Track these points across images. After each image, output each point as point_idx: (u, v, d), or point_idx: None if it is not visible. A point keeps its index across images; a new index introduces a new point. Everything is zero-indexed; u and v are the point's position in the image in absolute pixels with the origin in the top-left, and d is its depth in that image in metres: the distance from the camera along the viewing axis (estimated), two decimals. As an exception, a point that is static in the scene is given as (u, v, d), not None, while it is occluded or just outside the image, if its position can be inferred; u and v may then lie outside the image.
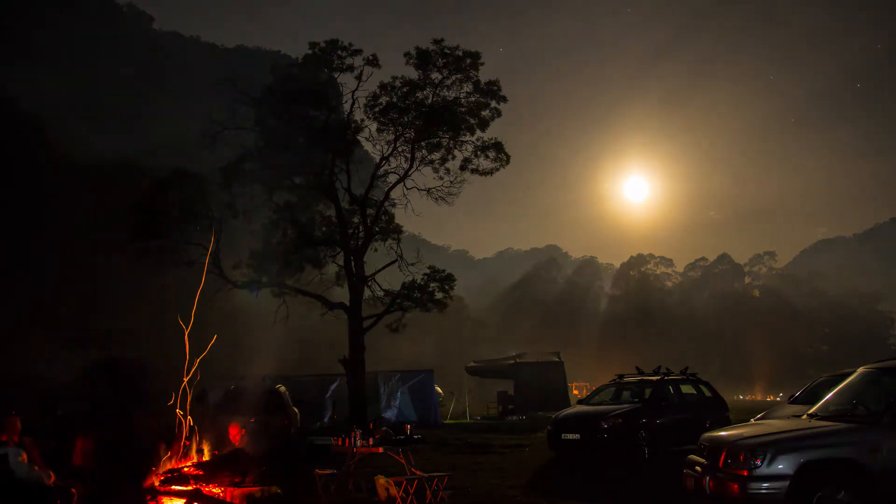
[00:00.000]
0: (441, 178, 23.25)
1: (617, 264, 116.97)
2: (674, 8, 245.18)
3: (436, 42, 22.20)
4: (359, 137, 23.30)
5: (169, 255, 21.50)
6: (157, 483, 7.99)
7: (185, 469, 8.16)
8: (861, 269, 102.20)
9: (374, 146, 23.24)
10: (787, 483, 6.41)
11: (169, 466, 8.27)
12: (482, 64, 22.38)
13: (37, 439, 8.62)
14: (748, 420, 10.82)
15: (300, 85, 22.51)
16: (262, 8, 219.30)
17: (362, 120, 22.94)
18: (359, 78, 22.35)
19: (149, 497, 7.91)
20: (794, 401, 11.31)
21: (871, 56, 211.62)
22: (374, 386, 23.54)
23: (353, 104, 22.63)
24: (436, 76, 22.23)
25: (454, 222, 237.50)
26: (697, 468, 7.30)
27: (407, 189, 23.22)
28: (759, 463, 6.53)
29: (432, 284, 22.47)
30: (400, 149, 22.89)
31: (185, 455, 8.51)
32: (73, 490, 7.99)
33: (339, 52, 22.39)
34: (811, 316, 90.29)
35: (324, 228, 23.13)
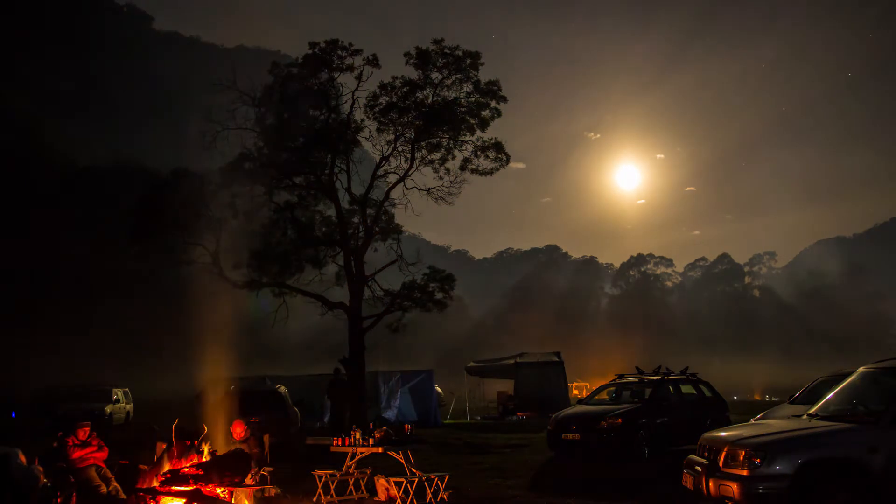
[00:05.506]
0: (441, 178, 23.23)
1: (617, 264, 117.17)
2: (678, 11, 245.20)
3: (436, 42, 22.20)
4: (359, 137, 23.29)
5: (169, 256, 21.53)
6: (157, 483, 7.99)
7: (185, 469, 8.16)
8: (861, 269, 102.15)
9: (374, 146, 23.22)
10: (786, 483, 6.42)
11: (169, 466, 8.28)
12: (482, 64, 22.37)
13: (37, 439, 8.63)
14: (748, 420, 10.83)
15: (300, 85, 22.51)
16: (262, 8, 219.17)
17: (362, 120, 22.94)
18: (359, 78, 22.34)
19: (149, 497, 7.91)
20: (794, 401, 11.32)
21: (864, 46, 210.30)
22: (374, 386, 23.54)
23: (353, 104, 22.63)
24: (436, 76, 22.21)
25: (454, 222, 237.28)
26: (697, 468, 7.30)
27: (407, 189, 23.21)
28: (758, 463, 6.53)
29: (432, 284, 22.45)
30: (400, 149, 22.88)
31: (186, 455, 8.52)
32: (73, 490, 8.01)
33: (339, 52, 22.38)
34: (811, 316, 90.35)
35: (324, 228, 23.12)
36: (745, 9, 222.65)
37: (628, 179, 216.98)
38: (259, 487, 8.47)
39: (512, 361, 29.64)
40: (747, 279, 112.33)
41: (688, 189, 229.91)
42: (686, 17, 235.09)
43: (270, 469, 9.45)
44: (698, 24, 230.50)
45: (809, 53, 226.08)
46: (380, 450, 9.73)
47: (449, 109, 21.96)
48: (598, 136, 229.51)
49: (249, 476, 8.47)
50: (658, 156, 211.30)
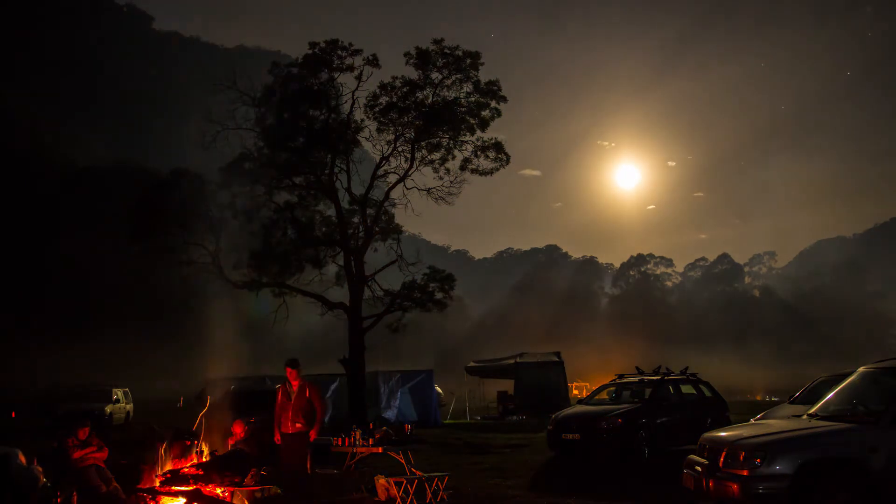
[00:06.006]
0: (441, 178, 23.28)
1: (617, 264, 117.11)
2: (678, 10, 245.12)
3: (436, 42, 22.23)
4: (359, 137, 23.32)
5: (169, 255, 21.55)
6: (157, 483, 8.00)
7: (185, 469, 8.16)
8: (861, 269, 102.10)
9: (374, 146, 23.28)
10: (786, 483, 6.42)
11: (169, 466, 8.28)
12: (482, 64, 22.41)
13: (37, 439, 8.63)
14: (748, 420, 10.83)
15: (300, 85, 22.52)
16: (261, 8, 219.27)
17: (362, 120, 22.98)
18: (359, 78, 22.38)
19: (149, 497, 7.92)
20: (794, 401, 11.32)
21: (863, 45, 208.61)
22: (374, 386, 23.54)
23: (353, 104, 22.67)
24: (436, 76, 22.25)
25: (454, 222, 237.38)
26: (697, 468, 7.30)
27: (407, 189, 23.25)
28: (759, 463, 6.53)
29: (432, 284, 22.47)
30: (400, 149, 22.91)
31: (185, 455, 8.52)
32: (73, 490, 8.00)
33: (339, 52, 22.41)
34: (811, 316, 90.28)
35: (324, 228, 23.14)
36: (744, 14, 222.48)
37: (632, 182, 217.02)
38: (259, 487, 8.47)
39: (512, 361, 29.63)
40: (747, 279, 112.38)
41: (696, 194, 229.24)
42: (685, 22, 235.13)
43: (270, 469, 9.45)
44: (698, 28, 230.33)
45: (808, 53, 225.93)
46: (380, 450, 9.73)
47: (449, 109, 21.98)
48: (613, 144, 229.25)
49: (249, 476, 8.47)
50: (669, 163, 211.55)
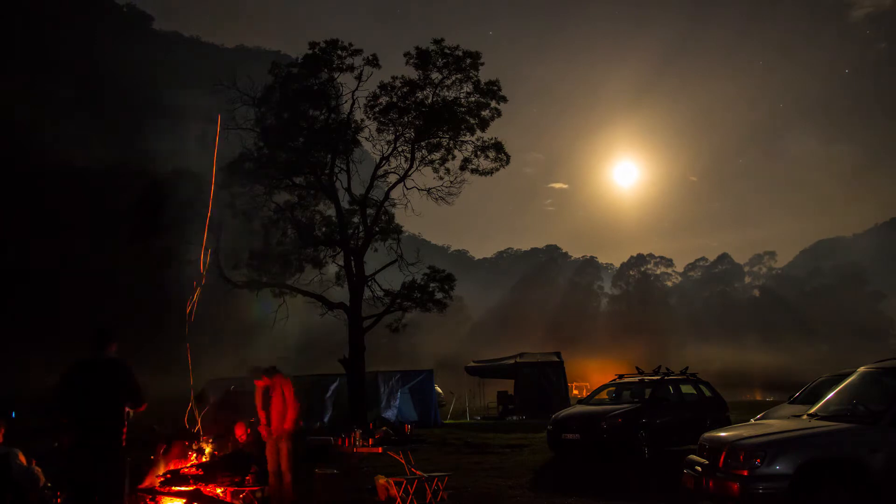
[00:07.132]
0: (441, 178, 23.28)
1: (617, 264, 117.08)
2: (674, 11, 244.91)
3: (436, 42, 22.23)
4: (359, 137, 23.31)
5: (168, 256, 21.54)
6: (157, 483, 8.00)
7: (185, 469, 8.17)
8: (861, 269, 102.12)
9: (374, 146, 23.27)
10: (786, 483, 6.42)
11: (169, 467, 8.28)
12: (482, 64, 22.41)
13: (37, 439, 8.63)
14: (748, 420, 10.83)
15: (300, 85, 22.53)
16: (261, 8, 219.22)
17: (362, 120, 22.97)
18: (359, 78, 22.37)
19: (149, 497, 7.92)
20: (794, 401, 11.33)
21: (863, 43, 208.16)
22: (374, 386, 23.53)
23: (353, 104, 22.66)
24: (436, 76, 22.25)
25: (454, 222, 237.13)
26: (697, 468, 7.30)
27: (407, 189, 23.24)
28: (758, 463, 6.54)
29: (432, 284, 22.47)
30: (400, 149, 22.91)
31: (185, 455, 8.52)
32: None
33: (339, 52, 22.40)
34: (811, 316, 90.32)
35: (324, 228, 23.14)
36: (738, 15, 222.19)
37: (630, 180, 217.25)
38: (259, 487, 8.47)
39: (512, 361, 29.63)
40: (747, 279, 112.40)
41: (714, 204, 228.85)
42: (682, 20, 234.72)
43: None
44: (696, 28, 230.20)
45: (806, 51, 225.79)
46: (380, 450, 9.74)
47: (449, 109, 21.99)
48: (616, 148, 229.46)
49: (249, 476, 8.48)
50: (691, 178, 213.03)
